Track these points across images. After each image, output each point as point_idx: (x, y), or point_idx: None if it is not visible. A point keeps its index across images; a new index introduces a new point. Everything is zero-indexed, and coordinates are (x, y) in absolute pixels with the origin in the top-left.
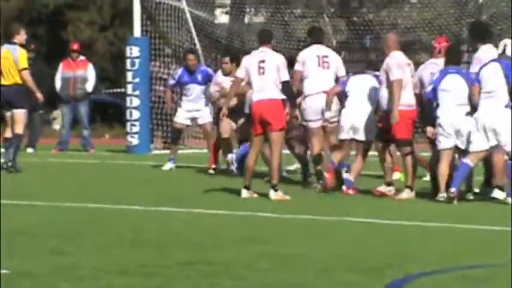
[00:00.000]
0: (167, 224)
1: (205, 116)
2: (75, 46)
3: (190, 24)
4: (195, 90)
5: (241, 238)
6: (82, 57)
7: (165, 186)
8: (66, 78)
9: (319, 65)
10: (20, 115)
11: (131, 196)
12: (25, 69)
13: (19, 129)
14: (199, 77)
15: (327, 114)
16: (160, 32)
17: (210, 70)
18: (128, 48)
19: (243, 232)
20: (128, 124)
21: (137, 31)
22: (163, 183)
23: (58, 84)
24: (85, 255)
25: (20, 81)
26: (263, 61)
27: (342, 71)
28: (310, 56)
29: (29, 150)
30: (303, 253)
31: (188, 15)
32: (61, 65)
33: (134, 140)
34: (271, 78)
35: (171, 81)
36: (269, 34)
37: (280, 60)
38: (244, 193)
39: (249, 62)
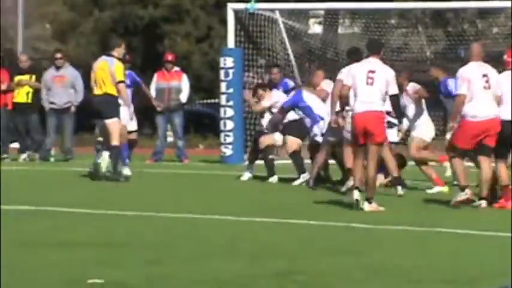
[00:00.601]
0: (261, 234)
1: None
2: (170, 57)
3: (284, 34)
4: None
5: (335, 249)
6: (176, 68)
7: (259, 196)
8: (160, 89)
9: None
10: (112, 125)
11: (225, 206)
12: (122, 82)
13: (115, 140)
14: (280, 90)
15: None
16: (254, 42)
17: (290, 82)
18: (222, 59)
19: (337, 243)
20: (222, 135)
21: (231, 42)
22: (256, 193)
23: (153, 94)
24: (180, 266)
25: (111, 92)
26: (373, 71)
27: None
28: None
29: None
30: (398, 264)
31: (282, 25)
32: (155, 76)
33: (228, 151)
34: (380, 89)
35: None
36: (379, 44)
37: (390, 73)
38: (367, 206)
39: (357, 70)
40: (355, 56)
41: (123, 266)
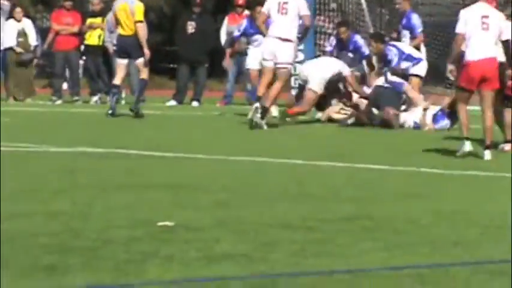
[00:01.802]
0: (329, 178)
1: None
2: (240, 1)
3: None
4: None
5: (403, 193)
6: (247, 12)
7: (326, 141)
8: (231, 33)
9: (279, 11)
10: (141, 64)
11: (294, 150)
12: (140, 21)
13: (144, 74)
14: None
15: None
16: None
17: (359, 40)
18: None
19: (405, 187)
20: (292, 78)
21: None
22: (324, 138)
23: (223, 38)
24: (249, 209)
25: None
26: (486, 16)
27: (304, 10)
28: (272, 3)
29: (194, 103)
30: (467, 210)
31: None
32: (226, 19)
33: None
34: (494, 35)
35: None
36: None
37: (503, 18)
38: (468, 146)
39: (468, 15)
40: None
41: (193, 209)
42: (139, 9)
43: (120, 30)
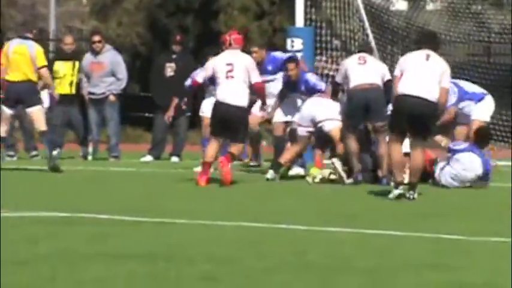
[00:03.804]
0: (334, 246)
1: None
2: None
3: (362, 11)
4: None
5: (420, 264)
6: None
7: (330, 203)
8: None
9: None
10: (37, 113)
11: (292, 214)
12: (46, 66)
13: (42, 126)
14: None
15: None
16: (327, 21)
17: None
18: (288, 41)
19: (423, 256)
20: None
21: (300, 20)
22: (327, 199)
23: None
24: (241, 282)
25: (33, 79)
26: None
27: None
28: None
29: (174, 159)
30: (494, 282)
31: (360, 1)
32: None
33: None
34: None
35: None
36: None
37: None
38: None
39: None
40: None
41: (173, 283)
42: (41, 53)
43: (11, 76)
